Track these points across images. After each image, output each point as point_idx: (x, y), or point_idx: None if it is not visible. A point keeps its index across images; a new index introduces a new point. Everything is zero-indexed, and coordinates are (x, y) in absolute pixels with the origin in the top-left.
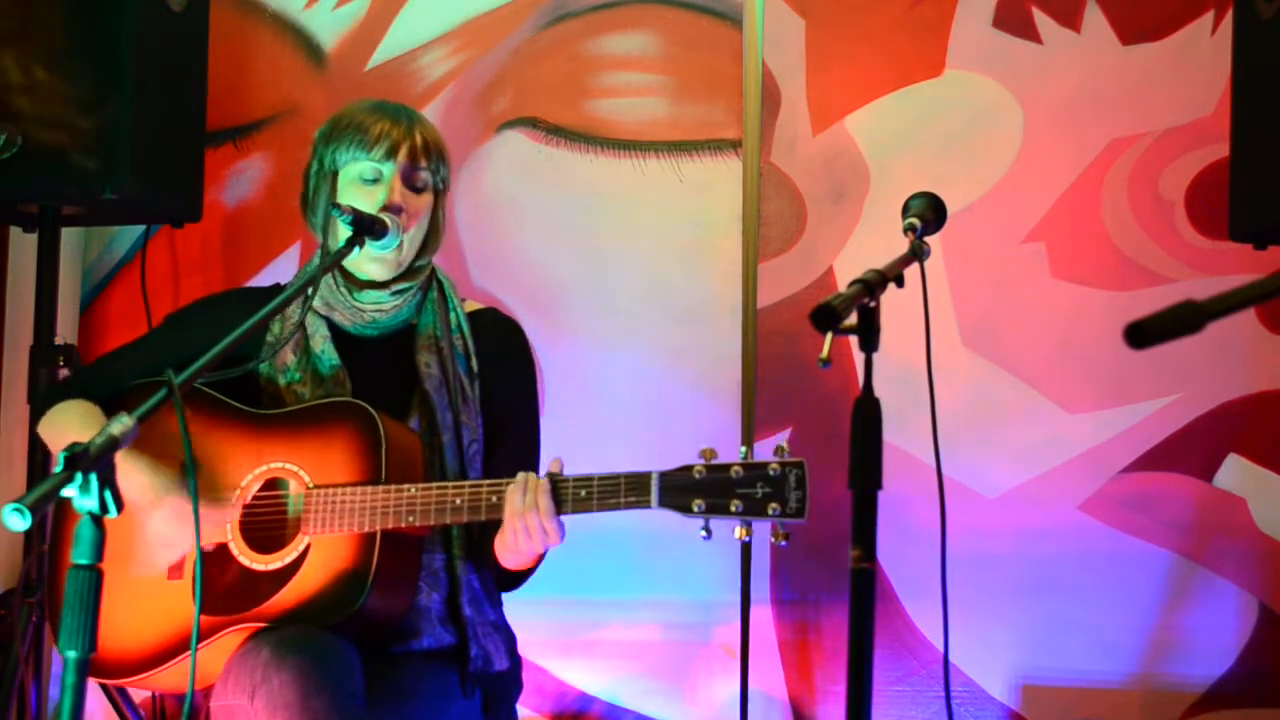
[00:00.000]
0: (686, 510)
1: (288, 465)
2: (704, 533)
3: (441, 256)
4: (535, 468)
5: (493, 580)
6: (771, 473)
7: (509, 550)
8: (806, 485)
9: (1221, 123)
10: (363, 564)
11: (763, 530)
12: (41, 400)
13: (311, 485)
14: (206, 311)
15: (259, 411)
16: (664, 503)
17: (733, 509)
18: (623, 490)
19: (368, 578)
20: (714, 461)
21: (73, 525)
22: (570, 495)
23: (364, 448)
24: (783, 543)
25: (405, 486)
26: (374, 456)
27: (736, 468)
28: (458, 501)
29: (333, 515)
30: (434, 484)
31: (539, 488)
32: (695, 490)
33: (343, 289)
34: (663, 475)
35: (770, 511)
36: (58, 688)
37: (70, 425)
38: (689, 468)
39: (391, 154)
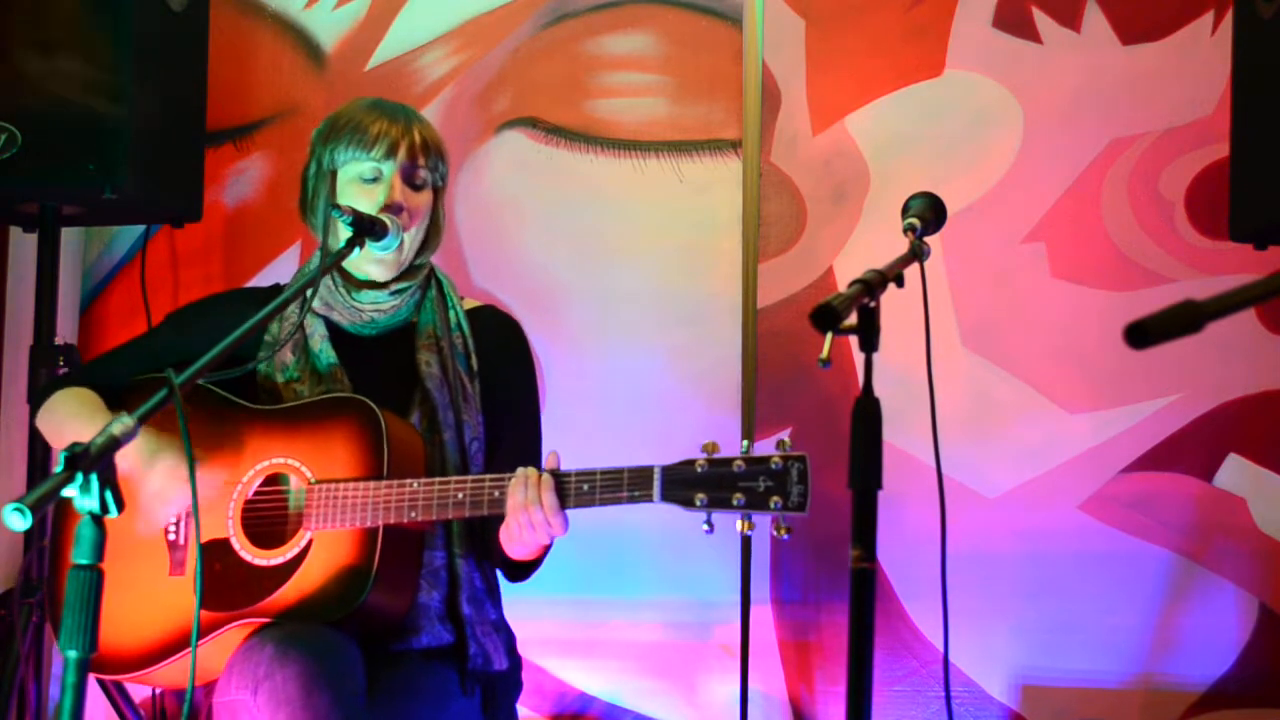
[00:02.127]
0: (689, 504)
1: (289, 460)
2: (706, 526)
3: (441, 256)
4: (537, 463)
5: (497, 575)
6: (774, 466)
7: (515, 542)
8: (809, 479)
9: (1221, 123)
10: (365, 560)
11: (763, 524)
12: (39, 394)
13: (313, 480)
14: (206, 312)
15: (260, 407)
16: (666, 497)
17: (735, 502)
18: (625, 484)
19: (370, 574)
20: (716, 455)
21: (74, 524)
22: (573, 490)
23: (365, 443)
24: (785, 536)
25: (407, 481)
26: (376, 452)
27: (739, 461)
28: (460, 496)
29: (335, 510)
30: (436, 478)
31: (543, 483)
32: (697, 484)
33: (341, 289)
34: (665, 469)
35: (772, 505)
36: (58, 687)
37: (68, 415)
38: (691, 461)
39: (391, 153)
